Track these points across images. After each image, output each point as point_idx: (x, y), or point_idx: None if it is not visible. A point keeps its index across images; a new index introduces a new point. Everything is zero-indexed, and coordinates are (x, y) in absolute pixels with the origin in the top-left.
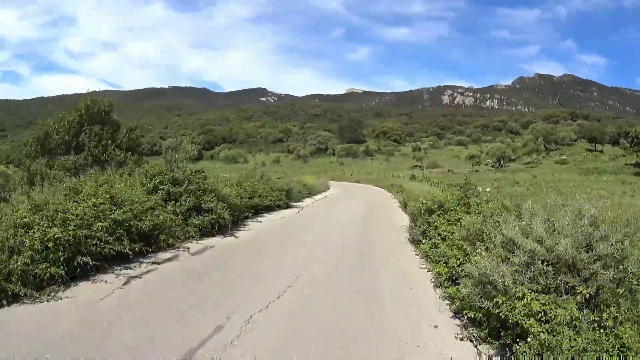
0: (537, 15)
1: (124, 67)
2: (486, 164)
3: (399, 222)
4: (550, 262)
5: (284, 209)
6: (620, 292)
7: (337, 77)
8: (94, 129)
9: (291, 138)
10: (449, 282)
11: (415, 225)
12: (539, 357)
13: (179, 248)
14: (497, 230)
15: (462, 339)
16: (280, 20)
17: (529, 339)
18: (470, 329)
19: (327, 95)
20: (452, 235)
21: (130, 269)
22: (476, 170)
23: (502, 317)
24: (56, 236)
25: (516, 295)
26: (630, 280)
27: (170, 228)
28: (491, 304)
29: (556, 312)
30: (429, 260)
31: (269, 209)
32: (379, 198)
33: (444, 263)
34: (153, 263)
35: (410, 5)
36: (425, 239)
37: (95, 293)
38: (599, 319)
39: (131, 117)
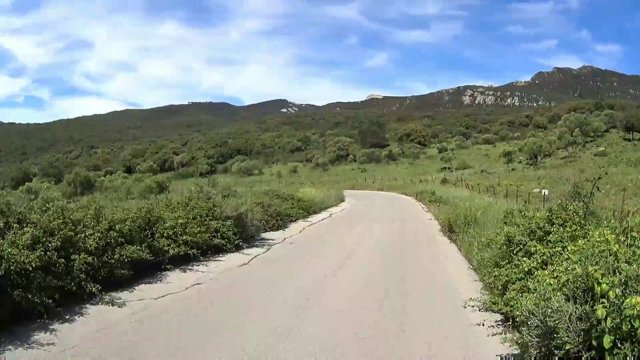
0: (550, 7)
1: (143, 86)
2: (519, 161)
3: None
4: None
5: (231, 252)
6: None
7: (357, 84)
8: None
9: (310, 146)
10: None
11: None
12: None
13: None
14: None
15: None
16: (295, 32)
17: None
18: None
19: (348, 102)
20: None
21: None
22: (512, 169)
23: None
24: None
25: None
26: None
27: None
28: None
29: None
30: None
31: (185, 261)
32: (410, 215)
33: None
34: None
35: (423, 7)
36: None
37: None
38: None
39: (151, 134)
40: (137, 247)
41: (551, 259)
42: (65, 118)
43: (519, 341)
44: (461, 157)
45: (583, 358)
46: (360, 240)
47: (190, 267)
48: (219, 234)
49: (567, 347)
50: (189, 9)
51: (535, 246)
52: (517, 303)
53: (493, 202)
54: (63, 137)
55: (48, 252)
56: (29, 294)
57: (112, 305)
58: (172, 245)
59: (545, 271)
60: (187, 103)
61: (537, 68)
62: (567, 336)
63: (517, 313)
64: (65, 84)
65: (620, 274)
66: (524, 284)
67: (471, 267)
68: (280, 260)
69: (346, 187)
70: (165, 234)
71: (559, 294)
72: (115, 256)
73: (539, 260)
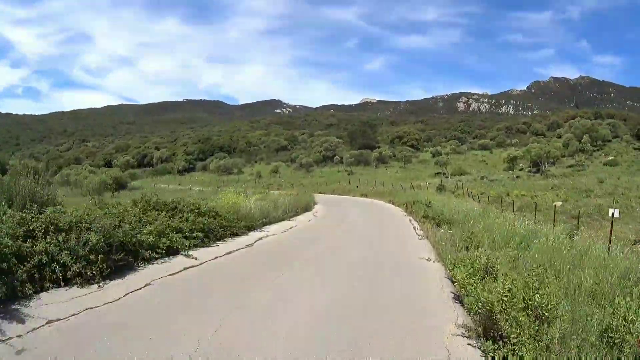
0: (549, 17)
1: (141, 82)
2: (520, 169)
3: None
4: None
5: None
6: None
7: (353, 88)
8: None
9: (297, 146)
10: None
11: None
12: None
13: None
14: None
15: None
16: (294, 32)
17: None
18: None
19: (342, 105)
20: None
21: None
22: (517, 177)
23: None
24: None
25: None
26: None
27: None
28: None
29: None
30: None
31: None
32: (395, 246)
33: None
34: None
35: (423, 13)
36: None
37: None
38: None
39: (146, 130)
40: None
41: None
42: (61, 110)
43: None
44: (456, 163)
45: None
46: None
47: None
48: None
49: None
50: (191, 6)
51: None
52: None
53: (530, 224)
54: (57, 129)
55: None
56: None
57: None
58: None
59: None
60: (182, 100)
61: (534, 77)
62: None
63: None
64: (65, 77)
65: None
66: None
67: None
68: None
69: (326, 192)
70: None
71: None
72: None
73: None
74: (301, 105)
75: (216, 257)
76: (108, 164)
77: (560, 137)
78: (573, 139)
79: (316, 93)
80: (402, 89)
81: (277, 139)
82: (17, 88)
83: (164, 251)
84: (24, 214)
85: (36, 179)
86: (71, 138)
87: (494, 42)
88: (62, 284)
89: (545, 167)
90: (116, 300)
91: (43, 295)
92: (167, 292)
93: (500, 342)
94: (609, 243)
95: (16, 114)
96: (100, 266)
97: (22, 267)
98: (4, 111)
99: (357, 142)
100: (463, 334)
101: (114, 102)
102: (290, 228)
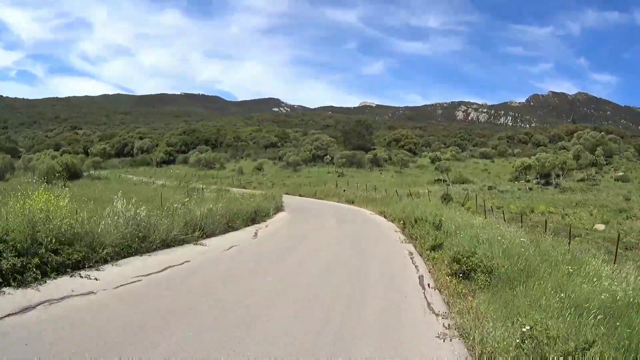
0: (550, 31)
1: (138, 73)
2: (528, 180)
3: None
4: None
5: None
6: None
7: (351, 90)
8: None
9: (288, 144)
10: None
11: None
12: None
13: None
14: None
15: None
16: (295, 32)
17: None
18: None
19: (340, 107)
20: None
21: None
22: (530, 188)
23: None
24: None
25: None
26: None
27: None
28: None
29: None
30: None
31: None
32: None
33: None
34: None
35: (425, 20)
36: None
37: None
38: None
39: (141, 121)
40: None
41: None
42: (55, 96)
43: None
44: (457, 170)
45: None
46: None
47: None
48: None
49: None
50: None
51: None
52: None
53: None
54: (49, 115)
55: None
56: None
57: None
58: None
59: None
60: (179, 93)
61: (532, 90)
62: None
63: None
64: (61, 63)
65: None
66: None
67: None
68: None
69: (308, 194)
70: None
71: None
72: None
73: None
74: (299, 105)
75: None
76: (86, 152)
77: (564, 149)
78: (583, 151)
79: (314, 94)
80: (400, 95)
81: (267, 136)
82: (11, 71)
83: None
84: None
85: None
86: (62, 125)
87: (493, 53)
88: None
89: (559, 178)
90: None
91: None
92: None
93: None
94: None
95: (7, 97)
96: None
97: None
98: None
99: (351, 142)
100: None
101: (111, 91)
102: (147, 275)
